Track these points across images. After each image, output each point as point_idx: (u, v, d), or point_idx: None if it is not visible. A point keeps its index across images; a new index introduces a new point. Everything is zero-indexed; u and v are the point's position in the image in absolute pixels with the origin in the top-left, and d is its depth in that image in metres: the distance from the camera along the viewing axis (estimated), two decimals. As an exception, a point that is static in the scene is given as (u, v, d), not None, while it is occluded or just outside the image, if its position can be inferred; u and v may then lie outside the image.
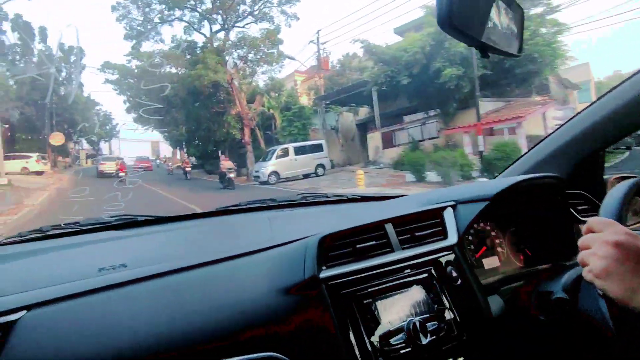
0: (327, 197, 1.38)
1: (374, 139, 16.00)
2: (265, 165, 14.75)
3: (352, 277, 0.72)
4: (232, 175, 12.70)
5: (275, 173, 14.22)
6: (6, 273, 0.75)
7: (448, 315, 0.77)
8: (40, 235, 0.94)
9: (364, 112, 19.59)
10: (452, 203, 0.94)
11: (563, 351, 0.81)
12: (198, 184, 14.89)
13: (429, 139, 13.73)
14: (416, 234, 0.85)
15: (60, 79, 18.93)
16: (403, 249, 0.81)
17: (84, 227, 0.99)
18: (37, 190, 10.26)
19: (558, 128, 1.19)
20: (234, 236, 1.01)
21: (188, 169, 16.99)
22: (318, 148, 15.92)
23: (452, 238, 0.86)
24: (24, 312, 0.58)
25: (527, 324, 0.82)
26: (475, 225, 1.05)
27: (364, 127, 19.01)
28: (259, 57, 17.49)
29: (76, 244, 0.91)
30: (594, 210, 1.08)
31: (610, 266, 0.45)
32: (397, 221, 0.85)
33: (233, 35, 17.59)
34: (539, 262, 1.05)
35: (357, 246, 0.77)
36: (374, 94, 14.79)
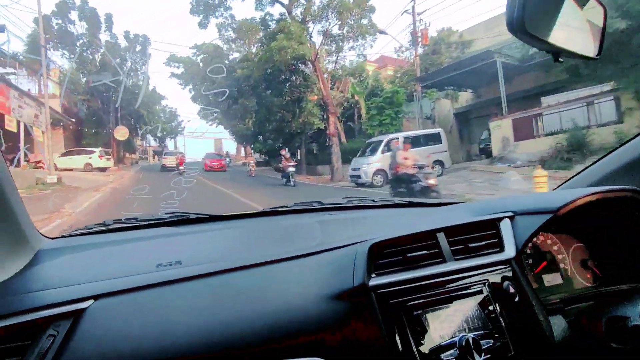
0: (374, 201, 1.52)
1: (501, 128, 13.61)
2: (367, 161, 13.06)
3: (402, 287, 0.77)
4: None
5: (382, 172, 12.34)
6: (75, 263, 0.91)
7: (504, 334, 0.80)
8: (104, 228, 1.15)
9: (464, 98, 17.87)
10: (510, 214, 0.99)
11: None
12: (261, 181, 15.38)
13: (600, 125, 10.84)
14: (470, 245, 0.90)
15: (126, 69, 19.82)
16: (456, 260, 0.86)
17: (142, 223, 1.19)
18: (89, 191, 10.14)
19: (635, 137, 1.19)
20: (284, 238, 1.11)
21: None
22: (435, 139, 13.98)
23: (510, 251, 0.90)
24: (92, 301, 0.71)
25: (595, 352, 0.84)
26: (535, 239, 1.09)
27: (465, 116, 17.84)
28: (346, 29, 15.87)
29: (135, 238, 1.08)
30: None
31: None
32: (449, 230, 0.90)
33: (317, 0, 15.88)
34: (611, 283, 1.08)
35: (408, 255, 0.83)
36: (499, 69, 12.74)
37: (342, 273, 0.79)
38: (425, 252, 0.85)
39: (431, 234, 0.89)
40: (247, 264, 0.83)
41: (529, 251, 1.09)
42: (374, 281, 0.76)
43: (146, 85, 21.96)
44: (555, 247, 1.13)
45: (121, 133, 18.34)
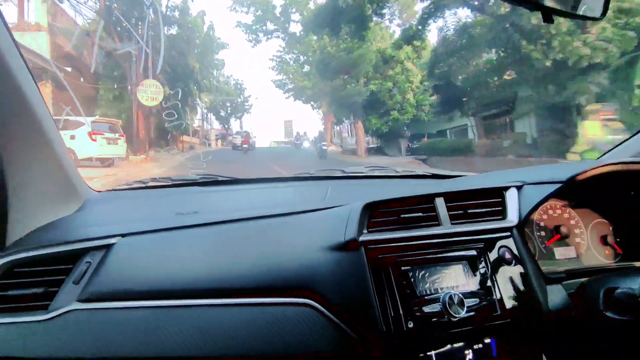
0: (397, 171, 1.53)
1: None
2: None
3: (393, 245, 0.82)
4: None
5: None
6: (112, 210, 1.07)
7: (492, 295, 0.83)
8: (142, 185, 1.30)
9: None
10: (519, 184, 0.99)
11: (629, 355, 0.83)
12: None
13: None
14: (469, 210, 0.92)
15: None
16: (453, 224, 0.89)
17: (174, 182, 1.33)
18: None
19: None
20: (294, 199, 1.20)
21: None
22: None
23: (512, 219, 0.92)
24: (120, 238, 0.85)
25: (590, 321, 0.84)
26: (551, 212, 1.08)
27: None
28: None
29: (165, 194, 1.23)
30: None
31: None
32: (449, 196, 0.93)
33: None
34: (630, 260, 1.06)
35: (402, 216, 0.87)
36: None
37: (337, 228, 0.85)
38: (420, 214, 0.89)
39: (430, 198, 0.91)
40: (254, 216, 0.93)
41: (542, 223, 1.09)
42: (365, 237, 0.82)
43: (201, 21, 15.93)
44: (572, 222, 1.12)
45: (150, 92, 10.54)
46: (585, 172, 0.93)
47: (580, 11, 0.67)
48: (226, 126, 28.30)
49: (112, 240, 0.85)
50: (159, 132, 14.20)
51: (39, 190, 0.92)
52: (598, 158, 1.36)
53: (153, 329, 0.73)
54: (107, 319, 0.74)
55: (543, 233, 1.08)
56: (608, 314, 0.82)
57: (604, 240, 1.10)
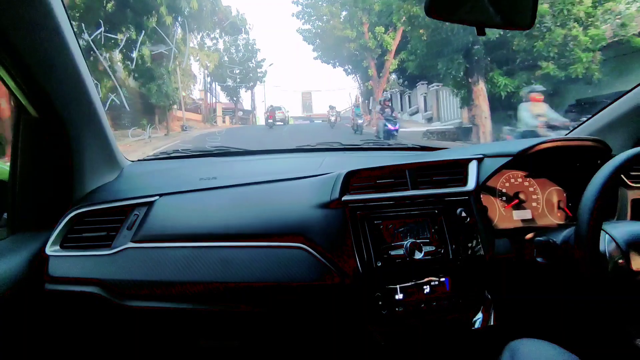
0: (389, 145, 1.79)
1: None
2: None
3: (369, 204, 1.05)
4: None
5: None
6: (148, 176, 1.32)
7: (447, 243, 1.06)
8: (167, 156, 1.57)
9: None
10: (480, 156, 1.20)
11: (548, 287, 1.07)
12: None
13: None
14: (434, 178, 1.14)
15: None
16: (420, 188, 1.12)
17: (194, 153, 1.59)
18: None
19: (633, 88, 1.28)
20: (295, 167, 1.41)
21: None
22: None
23: (471, 185, 1.13)
24: (158, 197, 1.11)
25: (525, 265, 1.08)
26: (512, 180, 1.29)
27: None
28: None
29: (188, 163, 1.49)
30: None
31: None
32: (420, 166, 1.15)
33: None
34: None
35: (377, 181, 1.11)
36: None
37: (325, 190, 1.09)
38: (392, 180, 1.11)
39: (402, 167, 1.14)
40: (260, 180, 1.18)
41: (504, 190, 1.30)
42: (346, 197, 1.06)
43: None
44: (531, 189, 1.32)
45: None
46: (531, 147, 1.14)
47: (511, 25, 0.83)
48: (235, 99, 23.40)
49: (153, 199, 1.12)
50: (144, 107, 12.17)
51: (91, 158, 1.18)
52: (567, 133, 1.56)
53: (187, 262, 0.99)
54: (153, 255, 1.02)
55: (504, 198, 1.29)
56: (538, 259, 1.05)
57: (557, 205, 1.31)
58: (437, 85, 16.20)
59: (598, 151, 1.20)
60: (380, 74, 18.42)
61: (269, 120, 18.06)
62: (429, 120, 17.28)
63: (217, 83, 22.44)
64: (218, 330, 1.12)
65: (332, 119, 17.63)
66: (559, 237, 1.03)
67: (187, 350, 1.17)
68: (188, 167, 1.42)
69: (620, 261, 0.82)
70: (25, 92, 0.93)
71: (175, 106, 15.39)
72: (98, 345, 1.13)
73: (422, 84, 18.19)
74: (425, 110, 18.44)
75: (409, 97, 20.82)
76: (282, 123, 19.33)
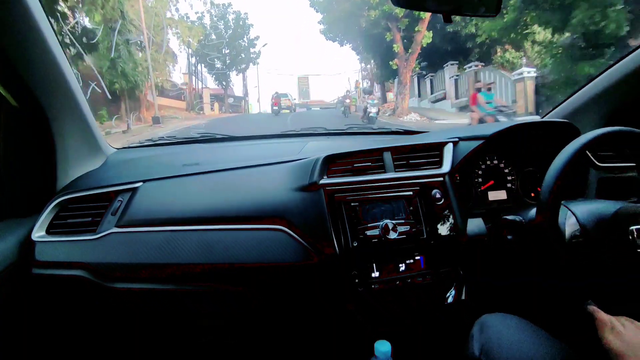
0: (373, 129, 1.81)
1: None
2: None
3: (346, 187, 1.10)
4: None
5: None
6: (132, 163, 1.34)
7: (422, 224, 1.11)
8: (152, 143, 1.59)
9: None
10: (456, 140, 1.24)
11: (518, 264, 1.13)
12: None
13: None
14: (411, 161, 1.19)
15: None
16: (396, 171, 1.16)
17: (179, 140, 1.62)
18: None
19: (602, 72, 1.32)
20: (277, 152, 1.42)
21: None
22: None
23: (446, 167, 1.18)
24: (142, 183, 1.14)
25: (496, 242, 1.13)
26: (488, 162, 1.34)
27: None
28: None
29: (172, 150, 1.51)
30: (615, 157, 1.29)
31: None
32: (396, 149, 1.19)
33: None
34: None
35: (354, 165, 1.15)
36: None
37: (304, 174, 1.13)
38: (369, 164, 1.15)
39: (379, 151, 1.18)
40: (242, 165, 1.21)
41: (480, 172, 1.35)
42: (324, 181, 1.10)
43: None
44: (506, 170, 1.38)
45: None
46: (503, 130, 1.18)
47: (478, 12, 0.86)
48: (224, 84, 20.41)
49: (137, 185, 1.15)
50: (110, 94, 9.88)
51: (75, 147, 1.20)
52: (543, 116, 1.61)
53: (170, 245, 1.04)
54: (137, 239, 1.05)
55: (480, 180, 1.34)
56: (508, 237, 1.10)
57: (531, 185, 1.36)
58: (476, 66, 13.96)
59: (568, 133, 1.24)
60: (410, 50, 15.26)
61: (274, 107, 17.69)
62: (463, 109, 14.05)
63: (203, 65, 19.62)
64: (202, 309, 1.16)
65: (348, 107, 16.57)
66: (527, 215, 1.08)
67: (172, 329, 1.22)
68: (172, 154, 1.46)
69: (578, 234, 0.87)
70: (4, 82, 0.95)
71: (149, 92, 13.55)
72: (86, 326, 1.18)
73: (453, 64, 15.85)
74: (457, 97, 15.38)
75: (431, 80, 18.15)
76: (289, 110, 18.93)
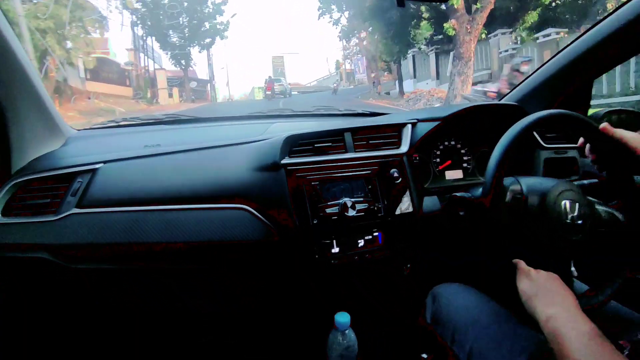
0: (340, 111, 1.84)
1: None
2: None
3: (307, 166, 1.14)
4: None
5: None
6: (93, 144, 1.33)
7: (379, 202, 1.17)
8: (115, 124, 1.57)
9: None
10: (414, 121, 1.30)
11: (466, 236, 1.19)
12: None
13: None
14: (371, 141, 1.24)
15: None
16: (356, 151, 1.21)
17: (143, 121, 1.60)
18: None
19: (552, 57, 1.39)
20: (242, 133, 1.44)
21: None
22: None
23: (404, 148, 1.24)
24: (102, 164, 1.14)
25: (447, 218, 1.20)
26: (446, 143, 1.42)
27: None
28: None
29: (135, 131, 1.50)
30: (560, 138, 1.38)
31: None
32: (357, 130, 1.24)
33: None
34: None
35: (315, 145, 1.19)
36: None
37: (266, 154, 1.16)
38: (330, 144, 1.19)
39: (340, 132, 1.21)
40: (204, 146, 1.22)
41: (437, 152, 1.41)
42: (285, 160, 1.14)
43: None
44: (463, 151, 1.45)
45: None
46: (457, 112, 1.24)
47: None
48: (183, 63, 15.71)
49: (97, 166, 1.16)
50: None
51: (31, 128, 1.18)
52: (500, 99, 1.68)
53: (132, 225, 1.05)
54: (98, 219, 1.07)
55: (438, 160, 1.41)
56: (460, 213, 1.17)
57: (485, 164, 1.44)
58: (558, 33, 10.51)
59: (517, 115, 1.31)
60: (480, 3, 10.24)
61: (267, 92, 17.20)
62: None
63: (154, 39, 14.48)
64: (166, 287, 1.19)
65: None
66: (476, 193, 1.15)
67: (137, 308, 1.24)
68: (134, 135, 1.45)
69: (519, 196, 0.93)
70: None
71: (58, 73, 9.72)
72: (50, 307, 1.18)
73: (504, 33, 12.17)
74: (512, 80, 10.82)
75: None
76: (283, 96, 18.55)
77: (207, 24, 16.23)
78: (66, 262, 1.05)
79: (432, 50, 15.84)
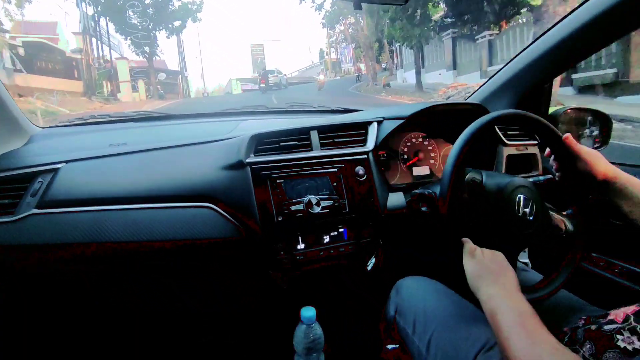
0: (314, 108, 1.86)
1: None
2: None
3: (272, 165, 1.15)
4: None
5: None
6: (57, 143, 1.31)
7: (344, 199, 1.19)
8: (82, 121, 1.55)
9: None
10: (380, 119, 1.33)
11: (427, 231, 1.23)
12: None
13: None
14: (336, 140, 1.26)
15: None
16: (322, 149, 1.23)
17: (112, 118, 1.58)
18: None
19: (514, 58, 1.44)
20: (210, 131, 1.44)
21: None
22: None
23: (369, 145, 1.26)
24: (64, 163, 1.13)
25: (410, 214, 1.22)
26: (414, 140, 1.45)
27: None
28: None
29: (102, 129, 1.48)
30: (523, 135, 1.42)
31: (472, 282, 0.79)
32: (323, 129, 1.25)
33: None
34: None
35: (281, 144, 1.20)
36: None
37: (232, 153, 1.17)
38: (296, 142, 1.20)
39: (306, 130, 1.23)
40: (169, 145, 1.22)
41: (405, 149, 1.44)
42: (251, 159, 1.15)
43: None
44: (430, 148, 1.48)
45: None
46: (420, 111, 1.27)
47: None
48: (147, 51, 12.75)
49: (58, 165, 1.14)
50: None
51: None
52: (466, 98, 1.72)
53: (95, 225, 1.05)
54: (59, 219, 1.06)
55: (406, 157, 1.44)
56: (423, 209, 1.20)
57: None
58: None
59: (479, 114, 1.35)
60: None
61: (262, 85, 17.54)
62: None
63: (108, 19, 10.99)
64: (134, 285, 1.19)
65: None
66: (437, 188, 1.19)
67: (100, 307, 1.24)
68: (100, 133, 1.43)
69: (478, 181, 0.96)
70: None
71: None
72: (49, 307, 1.17)
73: None
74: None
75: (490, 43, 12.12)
76: (277, 88, 18.69)
77: (175, 3, 13.24)
78: (24, 263, 1.04)
79: (447, 35, 13.83)
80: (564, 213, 0.98)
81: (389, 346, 1.13)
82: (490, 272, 0.79)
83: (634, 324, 0.68)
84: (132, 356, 1.39)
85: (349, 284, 1.26)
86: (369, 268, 1.25)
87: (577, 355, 0.61)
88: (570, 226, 0.96)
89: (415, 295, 1.05)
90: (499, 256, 0.82)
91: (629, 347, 0.65)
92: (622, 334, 0.67)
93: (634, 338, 0.66)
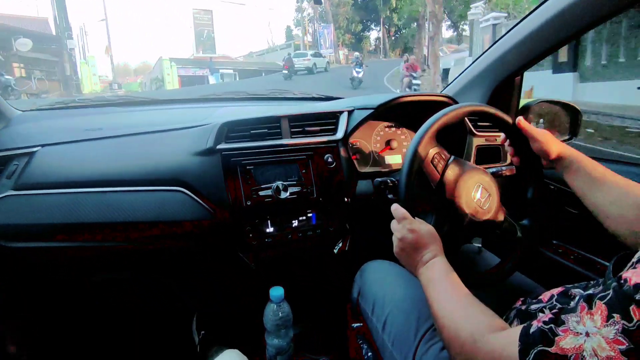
0: (295, 95, 1.89)
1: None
2: None
3: (242, 151, 1.20)
4: None
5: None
6: (35, 126, 1.34)
7: (312, 185, 1.24)
8: (62, 105, 1.57)
9: None
10: (351, 109, 1.37)
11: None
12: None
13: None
14: (306, 128, 1.30)
15: None
16: (292, 137, 1.27)
17: (93, 102, 1.62)
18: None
19: (485, 51, 1.47)
20: (187, 117, 1.46)
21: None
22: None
23: (339, 134, 1.31)
24: (40, 147, 1.18)
25: (375, 200, 1.29)
26: (387, 129, 1.50)
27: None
28: None
29: (82, 113, 1.51)
30: (491, 127, 1.46)
31: (398, 252, 0.84)
32: (293, 117, 1.30)
33: None
34: None
35: (252, 131, 1.24)
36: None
37: (203, 139, 1.21)
38: (266, 130, 1.24)
39: (277, 118, 1.27)
40: (144, 131, 1.26)
41: (378, 138, 1.49)
42: (221, 146, 1.20)
43: None
44: (402, 137, 1.53)
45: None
46: (388, 102, 1.31)
47: None
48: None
49: (34, 149, 1.19)
50: None
51: None
52: (442, 91, 1.75)
53: (70, 206, 1.10)
54: (36, 201, 1.11)
55: (378, 145, 1.48)
56: (389, 196, 1.25)
57: None
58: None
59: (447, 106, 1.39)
60: None
61: (284, 71, 16.74)
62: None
63: None
64: (108, 265, 1.24)
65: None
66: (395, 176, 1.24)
67: (78, 285, 1.29)
68: (79, 118, 1.46)
69: (444, 157, 0.96)
70: None
71: None
72: (49, 306, 1.22)
73: None
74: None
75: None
76: (306, 72, 17.52)
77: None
78: (2, 241, 1.08)
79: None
80: (521, 223, 1.01)
81: (354, 324, 1.20)
82: (416, 247, 0.83)
83: (554, 303, 0.73)
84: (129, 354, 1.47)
85: (315, 266, 1.32)
86: (335, 251, 1.31)
87: (487, 307, 0.67)
88: (520, 234, 1.00)
89: (377, 279, 1.11)
90: (426, 227, 0.85)
91: None
92: (544, 312, 0.72)
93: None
